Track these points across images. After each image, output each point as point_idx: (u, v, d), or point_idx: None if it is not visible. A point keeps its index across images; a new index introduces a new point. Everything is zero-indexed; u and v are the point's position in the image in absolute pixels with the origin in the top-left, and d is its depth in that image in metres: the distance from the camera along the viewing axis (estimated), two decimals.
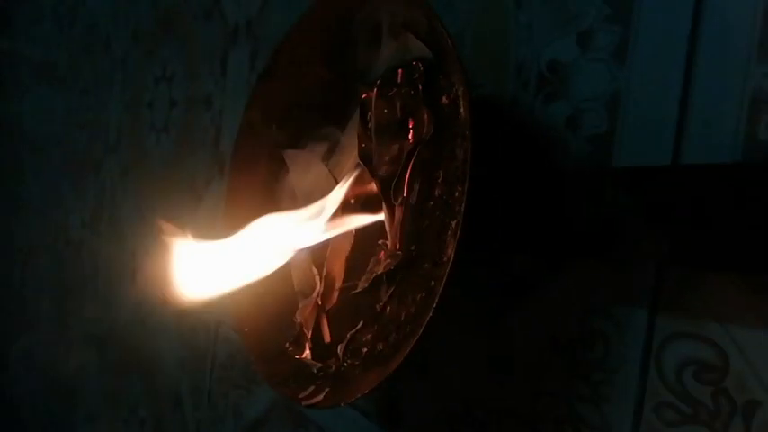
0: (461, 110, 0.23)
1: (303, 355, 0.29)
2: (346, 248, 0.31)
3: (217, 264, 0.29)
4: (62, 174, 1.05)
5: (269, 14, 0.49)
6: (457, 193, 0.24)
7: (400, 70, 0.26)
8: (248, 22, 0.52)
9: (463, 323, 0.31)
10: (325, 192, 0.32)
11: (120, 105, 0.81)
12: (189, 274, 0.28)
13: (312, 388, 0.28)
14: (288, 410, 0.44)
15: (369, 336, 0.28)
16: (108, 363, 0.82)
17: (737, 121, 0.21)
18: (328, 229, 0.29)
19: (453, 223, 0.23)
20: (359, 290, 0.29)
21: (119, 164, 0.81)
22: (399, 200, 0.27)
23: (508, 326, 0.28)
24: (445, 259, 0.23)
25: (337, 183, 0.32)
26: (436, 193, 0.27)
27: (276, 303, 0.33)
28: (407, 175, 0.27)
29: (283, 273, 0.34)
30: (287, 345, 0.29)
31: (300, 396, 0.27)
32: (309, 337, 0.29)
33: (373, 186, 0.29)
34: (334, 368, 0.28)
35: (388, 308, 0.28)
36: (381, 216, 0.28)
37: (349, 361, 0.28)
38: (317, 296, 0.31)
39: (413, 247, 0.28)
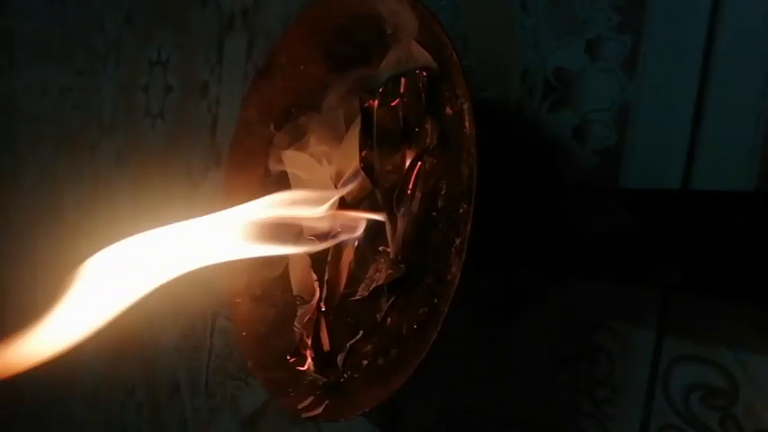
0: (466, 124, 0.23)
1: (305, 367, 0.28)
2: (348, 253, 0.31)
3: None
4: (57, 153, 1.03)
5: (264, 3, 0.48)
6: (461, 210, 0.23)
7: (403, 79, 0.25)
8: (244, 11, 0.50)
9: (465, 330, 0.30)
10: (324, 194, 0.31)
11: (115, 88, 0.79)
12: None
13: (311, 399, 0.27)
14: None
15: (369, 347, 0.28)
16: (104, 345, 0.82)
17: (752, 143, 0.21)
18: (329, 220, 0.29)
19: (458, 240, 0.23)
20: (358, 297, 0.29)
21: (114, 147, 0.80)
22: (402, 210, 0.26)
23: (510, 335, 0.28)
24: (449, 278, 0.23)
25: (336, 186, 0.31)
26: (439, 204, 0.26)
27: (274, 308, 0.33)
28: (410, 186, 0.27)
29: (282, 276, 0.34)
30: (288, 357, 0.29)
31: (299, 407, 0.27)
32: (310, 345, 0.29)
33: (374, 194, 0.28)
34: (333, 379, 0.28)
35: (389, 319, 0.28)
36: (382, 217, 0.28)
37: (349, 372, 0.27)
38: (317, 303, 0.30)
39: (414, 257, 0.27)
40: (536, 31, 0.28)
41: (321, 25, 0.30)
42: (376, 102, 0.25)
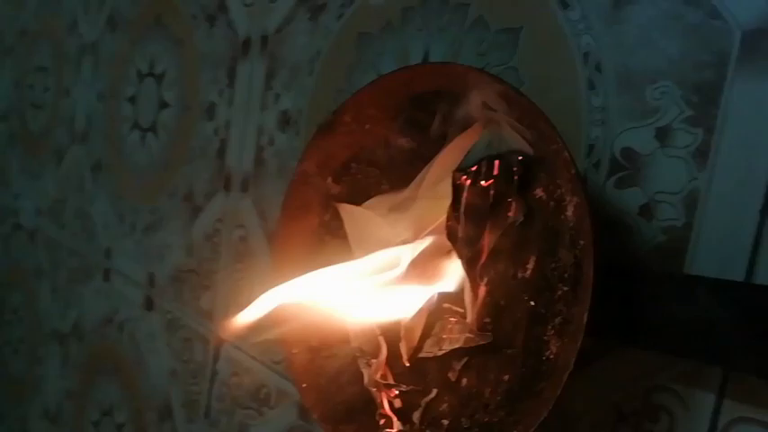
0: (569, 214, 0.24)
1: (394, 428, 0.29)
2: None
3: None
4: (10, 151, 0.98)
5: (289, 36, 0.48)
6: (560, 292, 0.25)
7: (497, 162, 0.26)
8: (264, 38, 0.50)
9: None
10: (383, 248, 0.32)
11: (92, 93, 0.76)
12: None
13: None
14: None
15: (444, 406, 0.29)
16: (74, 361, 0.79)
17: None
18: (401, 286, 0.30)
19: (557, 320, 0.25)
20: (429, 355, 0.30)
21: (89, 156, 0.76)
22: (485, 279, 0.28)
23: (575, 390, 0.30)
24: (551, 356, 0.25)
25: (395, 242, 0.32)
26: (519, 275, 0.28)
27: (333, 359, 0.34)
28: (487, 257, 0.28)
29: (337, 326, 0.35)
30: (378, 420, 0.30)
31: None
32: (386, 406, 0.30)
33: (441, 260, 0.30)
34: None
35: (464, 380, 0.29)
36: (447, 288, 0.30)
37: (428, 431, 0.29)
38: (384, 359, 0.31)
39: (487, 320, 0.29)
40: (604, 111, 0.30)
41: (398, 93, 0.30)
42: (468, 180, 0.27)
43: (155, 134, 0.63)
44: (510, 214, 0.27)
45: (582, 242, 0.23)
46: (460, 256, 0.28)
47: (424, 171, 0.32)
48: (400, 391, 0.30)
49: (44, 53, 0.88)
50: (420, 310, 0.29)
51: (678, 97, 0.28)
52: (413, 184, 0.33)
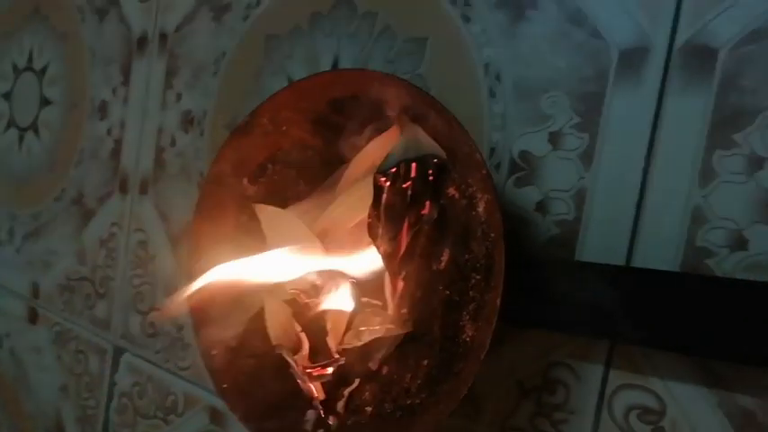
0: (480, 210, 0.27)
1: (306, 416, 0.30)
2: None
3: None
4: None
5: (191, 34, 0.47)
6: (473, 280, 0.27)
7: (414, 164, 0.29)
8: (163, 36, 0.49)
9: None
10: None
11: None
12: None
13: None
14: None
15: (367, 394, 0.31)
16: None
17: (680, 230, 0.28)
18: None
19: (471, 306, 0.27)
20: (349, 347, 0.32)
21: None
22: (403, 273, 0.30)
23: (480, 375, 0.33)
24: (467, 339, 0.27)
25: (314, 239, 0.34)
26: (434, 267, 0.30)
27: (253, 358, 0.34)
28: (408, 251, 0.30)
29: (254, 323, 0.35)
30: (287, 408, 0.30)
31: None
32: (308, 395, 0.31)
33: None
34: (336, 426, 0.30)
35: (385, 368, 0.31)
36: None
37: (353, 419, 0.30)
38: (308, 353, 0.32)
39: (404, 311, 0.31)
40: (503, 117, 0.33)
41: (315, 96, 0.32)
42: (388, 182, 0.29)
43: (36, 134, 0.59)
44: (425, 212, 0.30)
45: (493, 235, 0.26)
46: (380, 252, 0.30)
47: (339, 171, 0.34)
48: (332, 370, 0.31)
49: None
50: (344, 306, 0.30)
51: (567, 106, 0.31)
52: (327, 184, 0.34)
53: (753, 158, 0.26)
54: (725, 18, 0.27)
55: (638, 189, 0.29)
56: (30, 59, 0.60)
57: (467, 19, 0.35)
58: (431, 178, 0.29)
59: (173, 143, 0.48)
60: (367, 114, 0.31)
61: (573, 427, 0.31)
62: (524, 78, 0.33)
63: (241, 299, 0.35)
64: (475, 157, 0.26)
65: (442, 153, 0.28)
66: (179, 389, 0.47)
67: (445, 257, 0.29)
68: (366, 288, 0.32)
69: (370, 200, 0.29)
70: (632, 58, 0.30)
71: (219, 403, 0.45)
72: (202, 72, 0.47)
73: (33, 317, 0.59)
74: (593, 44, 0.31)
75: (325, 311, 0.33)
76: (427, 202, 0.29)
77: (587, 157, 0.31)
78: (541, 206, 0.32)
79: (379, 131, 0.31)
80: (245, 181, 0.35)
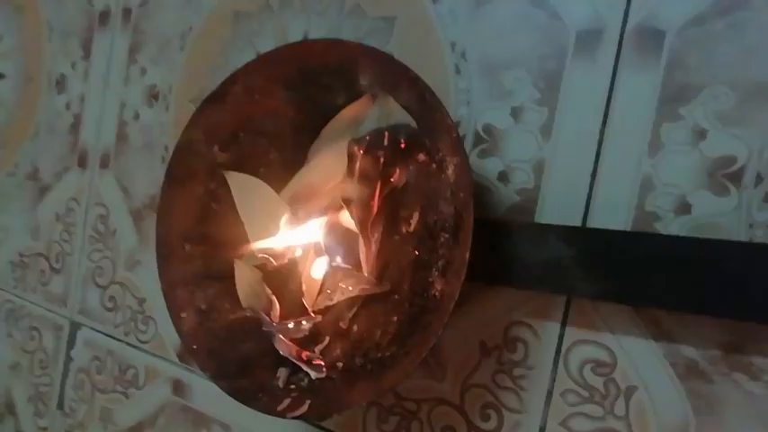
0: (449, 173, 0.29)
1: (278, 374, 0.31)
2: (302, 266, 0.34)
3: None
4: None
5: (156, 9, 0.47)
6: (442, 239, 0.29)
7: (386, 133, 0.30)
8: (127, 11, 0.48)
9: None
10: (273, 215, 0.34)
11: None
12: None
13: (288, 401, 0.31)
14: (183, 411, 0.45)
15: (338, 351, 0.32)
16: None
17: (631, 196, 0.31)
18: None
19: (440, 263, 0.29)
20: (322, 307, 0.33)
21: None
22: (375, 236, 0.31)
23: (444, 335, 0.35)
24: (436, 294, 0.29)
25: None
26: (404, 230, 0.32)
27: (223, 321, 0.35)
28: (376, 215, 0.32)
29: (224, 286, 0.36)
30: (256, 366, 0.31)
31: (279, 409, 0.30)
32: (278, 354, 0.32)
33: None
34: (307, 381, 0.31)
35: (355, 326, 0.32)
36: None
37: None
38: (279, 314, 0.33)
39: (376, 272, 0.32)
40: (468, 92, 0.35)
41: (287, 65, 0.33)
42: (361, 150, 0.30)
43: None
44: (395, 178, 0.31)
45: (462, 194, 0.28)
46: (353, 217, 0.31)
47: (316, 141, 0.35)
48: (309, 326, 0.32)
49: None
50: (315, 269, 0.31)
51: (528, 83, 0.33)
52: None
53: (696, 130, 0.29)
54: (672, 3, 0.30)
55: (593, 159, 0.32)
56: None
57: None
58: (402, 146, 0.30)
59: (136, 117, 0.48)
60: (340, 84, 0.32)
61: (532, 381, 0.33)
62: (488, 56, 0.35)
63: (210, 263, 0.36)
64: (446, 121, 0.28)
65: (413, 121, 0.30)
66: (140, 362, 0.47)
67: (415, 219, 0.31)
68: (336, 252, 0.33)
69: (342, 167, 0.30)
70: (588, 39, 0.32)
71: (183, 374, 0.45)
72: (167, 47, 0.47)
73: None
74: (552, 25, 0.33)
75: (297, 275, 0.34)
76: (398, 169, 0.31)
77: (546, 129, 0.33)
78: (503, 176, 0.34)
79: (352, 100, 0.32)
80: (215, 148, 0.35)
